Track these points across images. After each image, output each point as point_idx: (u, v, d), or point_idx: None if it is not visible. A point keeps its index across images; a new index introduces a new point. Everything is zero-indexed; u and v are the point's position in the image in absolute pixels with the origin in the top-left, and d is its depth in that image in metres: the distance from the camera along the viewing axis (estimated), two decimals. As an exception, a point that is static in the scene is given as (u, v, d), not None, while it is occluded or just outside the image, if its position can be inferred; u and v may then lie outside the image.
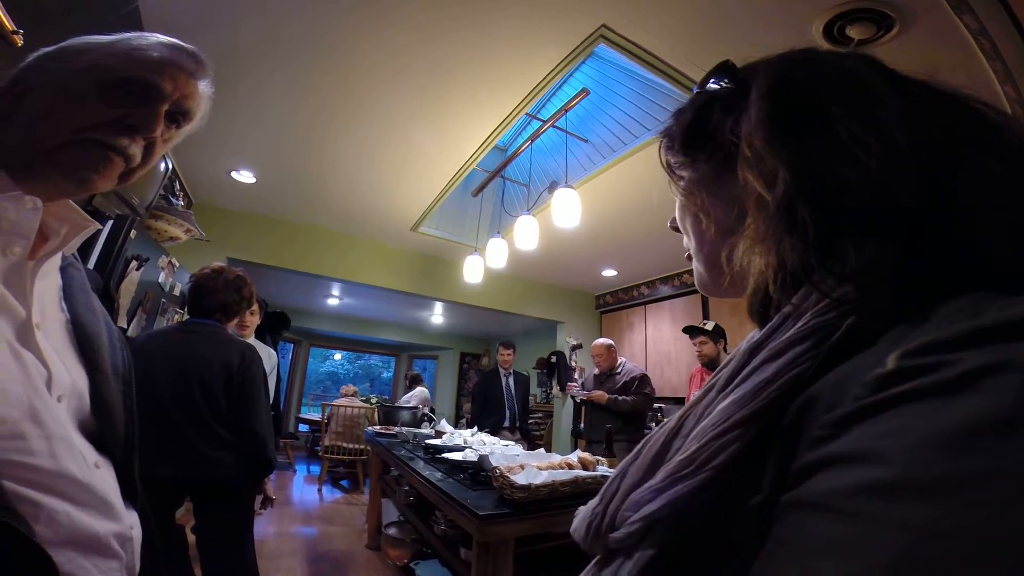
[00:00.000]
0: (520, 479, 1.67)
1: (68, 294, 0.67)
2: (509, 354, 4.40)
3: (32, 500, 0.48)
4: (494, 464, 1.80)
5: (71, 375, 0.60)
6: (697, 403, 0.35)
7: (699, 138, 0.40)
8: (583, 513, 0.41)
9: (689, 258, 0.46)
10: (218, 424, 1.70)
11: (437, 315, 7.81)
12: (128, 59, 0.58)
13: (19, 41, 1.06)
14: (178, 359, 1.70)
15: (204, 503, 1.73)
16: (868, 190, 0.28)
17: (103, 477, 0.59)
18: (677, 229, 0.48)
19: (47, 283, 0.62)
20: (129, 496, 0.63)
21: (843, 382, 0.25)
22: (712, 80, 0.40)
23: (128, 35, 0.60)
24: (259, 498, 1.92)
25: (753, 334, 0.37)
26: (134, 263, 2.01)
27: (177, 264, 2.59)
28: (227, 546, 1.73)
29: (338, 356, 13.84)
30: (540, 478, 1.70)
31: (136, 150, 0.59)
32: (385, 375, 13.92)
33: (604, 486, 0.39)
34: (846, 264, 0.28)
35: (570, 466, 1.92)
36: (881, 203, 0.28)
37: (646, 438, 0.37)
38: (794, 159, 0.31)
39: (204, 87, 0.66)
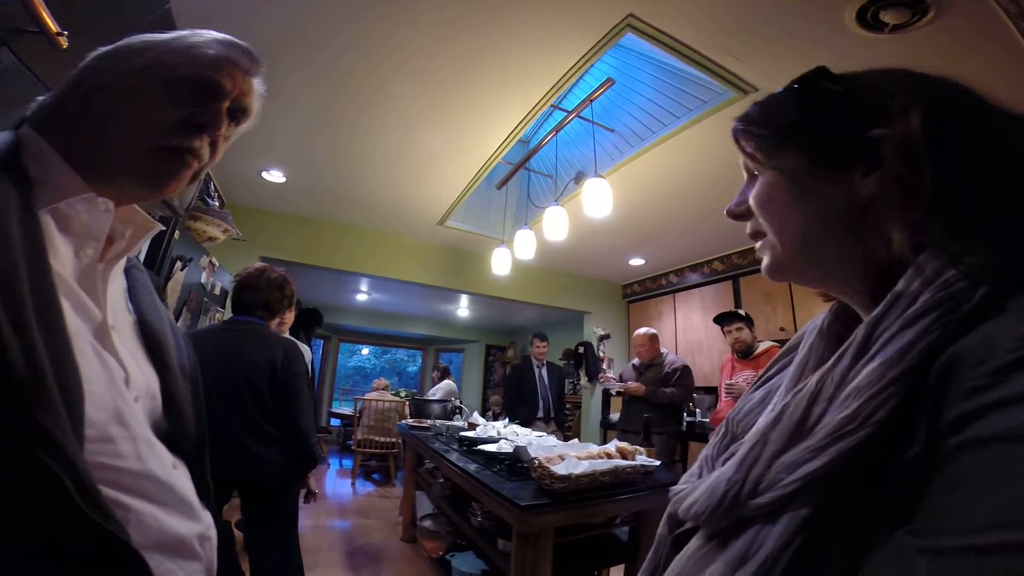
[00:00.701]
0: (560, 469, 1.68)
1: (133, 295, 0.67)
2: (544, 346, 4.41)
3: (123, 504, 0.48)
4: (532, 455, 1.81)
5: (144, 376, 0.61)
6: (831, 370, 0.37)
7: (801, 133, 0.42)
8: (708, 486, 0.41)
9: (756, 238, 0.47)
10: (264, 420, 1.74)
11: (463, 308, 7.86)
12: (188, 57, 0.58)
13: (64, 43, 1.06)
14: (224, 357, 1.75)
15: (251, 498, 1.78)
16: (1007, 187, 0.34)
17: (181, 477, 0.59)
18: (742, 214, 0.48)
19: (115, 285, 0.62)
20: (202, 495, 0.64)
21: (987, 341, 0.28)
22: (821, 82, 0.43)
23: (183, 32, 0.60)
24: (302, 492, 1.97)
25: (822, 316, 0.49)
26: (178, 264, 2.07)
27: (217, 264, 2.65)
28: (274, 540, 1.78)
29: (365, 351, 14.07)
30: (580, 468, 1.71)
31: (206, 150, 0.60)
32: (411, 369, 14.10)
33: (739, 456, 0.40)
34: (981, 243, 0.32)
35: (609, 456, 1.92)
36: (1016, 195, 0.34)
37: (783, 404, 0.39)
38: (944, 161, 0.35)
39: (258, 84, 0.66)
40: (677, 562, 0.44)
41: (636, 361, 3.88)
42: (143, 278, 0.72)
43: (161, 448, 0.58)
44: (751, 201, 0.46)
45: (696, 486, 0.45)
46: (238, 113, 0.64)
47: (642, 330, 3.86)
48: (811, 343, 0.48)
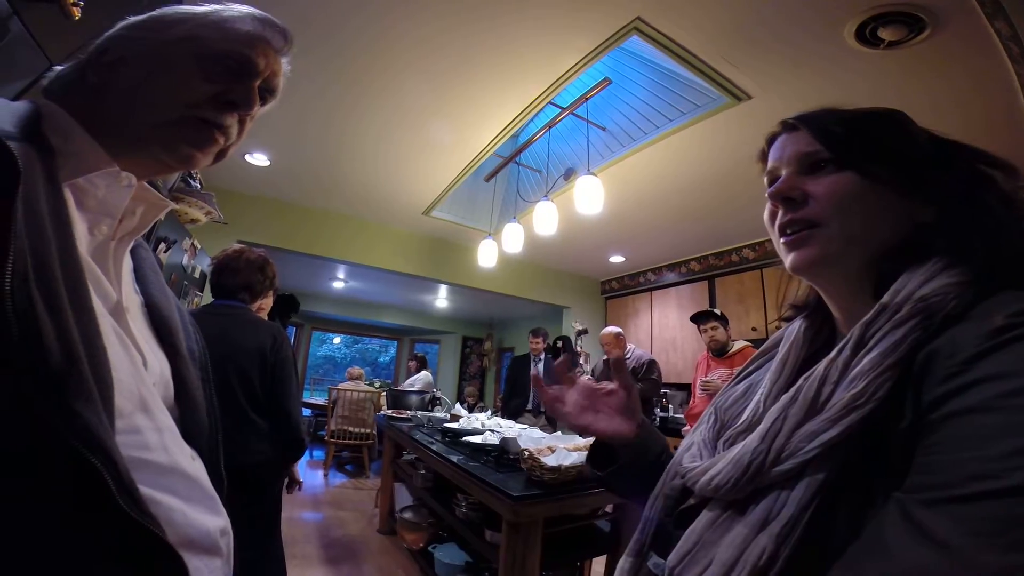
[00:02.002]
0: (551, 460, 1.71)
1: (139, 276, 0.64)
2: (538, 342, 4.47)
3: (154, 500, 0.44)
4: (523, 446, 1.83)
5: (157, 361, 0.57)
6: (835, 359, 0.43)
7: (890, 150, 0.49)
8: (731, 459, 0.47)
9: (794, 226, 0.51)
10: (253, 411, 1.69)
11: (441, 299, 7.82)
12: (223, 32, 0.56)
13: (77, 13, 1.03)
14: (211, 344, 1.69)
15: (236, 490, 1.74)
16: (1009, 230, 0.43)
17: (201, 470, 0.56)
18: (794, 199, 0.51)
19: (124, 266, 0.59)
20: (216, 488, 0.59)
21: (955, 340, 0.36)
22: (909, 124, 0.51)
23: (217, 6, 0.58)
24: (286, 481, 1.93)
25: (797, 323, 0.59)
26: (162, 245, 2.00)
27: (199, 246, 2.58)
28: (259, 534, 1.73)
29: (337, 340, 13.87)
30: (570, 459, 1.74)
31: (235, 128, 0.58)
32: (382, 359, 13.97)
33: (761, 429, 0.46)
34: (974, 262, 0.41)
35: (596, 449, 1.96)
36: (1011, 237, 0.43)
37: (796, 386, 0.45)
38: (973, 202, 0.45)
39: (286, 64, 0.64)
40: (691, 533, 0.48)
41: (605, 357, 3.96)
42: (149, 258, 0.68)
43: (181, 439, 0.55)
44: (822, 191, 0.49)
45: (713, 463, 0.49)
46: (266, 93, 0.62)
47: (608, 329, 3.96)
48: (791, 343, 0.57)
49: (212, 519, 0.53)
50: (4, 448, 0.34)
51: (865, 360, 0.41)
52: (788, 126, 0.55)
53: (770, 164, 0.56)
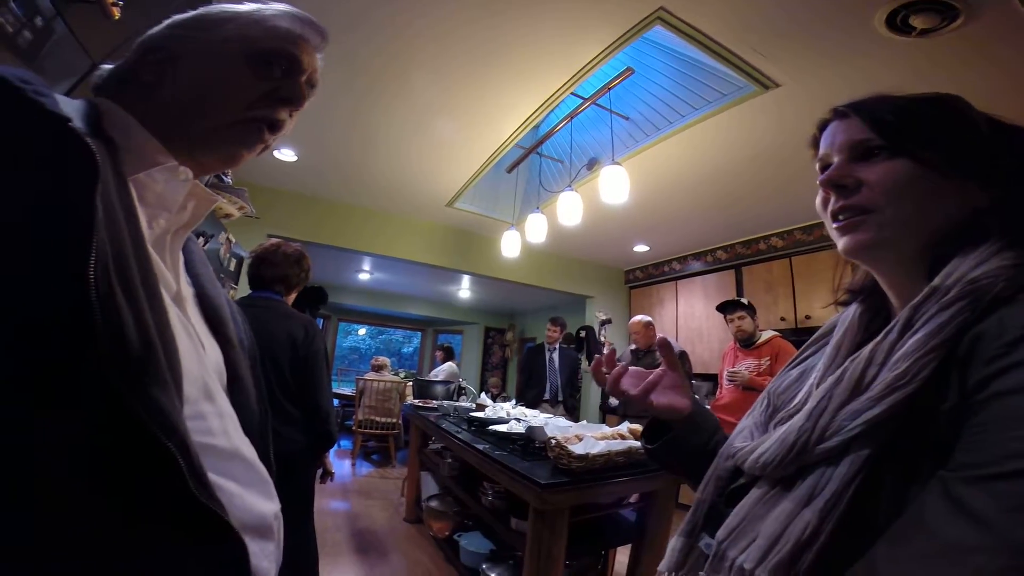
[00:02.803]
0: (579, 449, 1.72)
1: (190, 268, 0.65)
2: (556, 331, 4.46)
3: (218, 485, 0.45)
4: (549, 435, 1.85)
5: (213, 350, 0.59)
6: (881, 341, 0.45)
7: (944, 136, 0.49)
8: (778, 438, 0.48)
9: (848, 212, 0.51)
10: (285, 399, 1.74)
11: (464, 289, 7.87)
12: (267, 30, 0.57)
13: (117, 13, 1.06)
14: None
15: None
16: None
17: (255, 455, 0.58)
18: (847, 186, 0.51)
19: (178, 258, 0.61)
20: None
21: (1002, 322, 0.37)
22: (968, 109, 0.50)
23: (256, 5, 0.59)
24: (318, 472, 1.98)
25: (853, 309, 0.59)
26: (201, 239, 2.07)
27: (234, 240, 2.65)
28: (292, 522, 1.78)
29: (362, 331, 14.08)
30: (597, 448, 1.75)
31: (288, 123, 0.60)
32: (405, 350, 14.13)
33: (807, 409, 0.47)
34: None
35: (623, 437, 1.96)
36: None
37: (842, 368, 0.47)
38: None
39: (320, 60, 0.66)
40: (740, 509, 0.49)
41: (633, 346, 3.92)
42: (199, 251, 0.70)
43: (239, 424, 0.57)
44: (875, 178, 0.49)
45: (761, 442, 0.51)
46: (309, 88, 0.64)
47: (637, 317, 3.90)
48: (846, 328, 0.57)
49: (267, 503, 0.55)
50: (85, 433, 0.35)
51: (910, 342, 0.42)
52: (839, 113, 0.55)
53: (822, 151, 0.56)
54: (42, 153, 0.35)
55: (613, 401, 4.97)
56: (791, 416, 0.53)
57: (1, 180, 0.33)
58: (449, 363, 6.54)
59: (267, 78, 0.57)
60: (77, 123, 0.43)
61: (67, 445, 0.35)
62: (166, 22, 0.56)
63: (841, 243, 0.52)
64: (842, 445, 0.42)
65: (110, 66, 0.56)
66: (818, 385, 0.53)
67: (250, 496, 0.51)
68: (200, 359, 0.53)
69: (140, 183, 0.51)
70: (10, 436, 0.33)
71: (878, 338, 0.45)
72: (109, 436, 0.36)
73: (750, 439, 0.57)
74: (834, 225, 0.53)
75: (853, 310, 0.59)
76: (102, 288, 0.35)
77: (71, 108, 0.46)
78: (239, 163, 0.60)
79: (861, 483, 0.40)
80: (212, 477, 0.44)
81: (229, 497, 0.47)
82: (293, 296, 2.08)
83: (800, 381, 0.60)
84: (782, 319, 4.03)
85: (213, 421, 0.50)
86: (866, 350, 0.45)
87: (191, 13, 0.57)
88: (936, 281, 0.44)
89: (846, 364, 0.46)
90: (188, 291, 0.62)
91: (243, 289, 1.93)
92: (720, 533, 0.50)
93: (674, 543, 0.61)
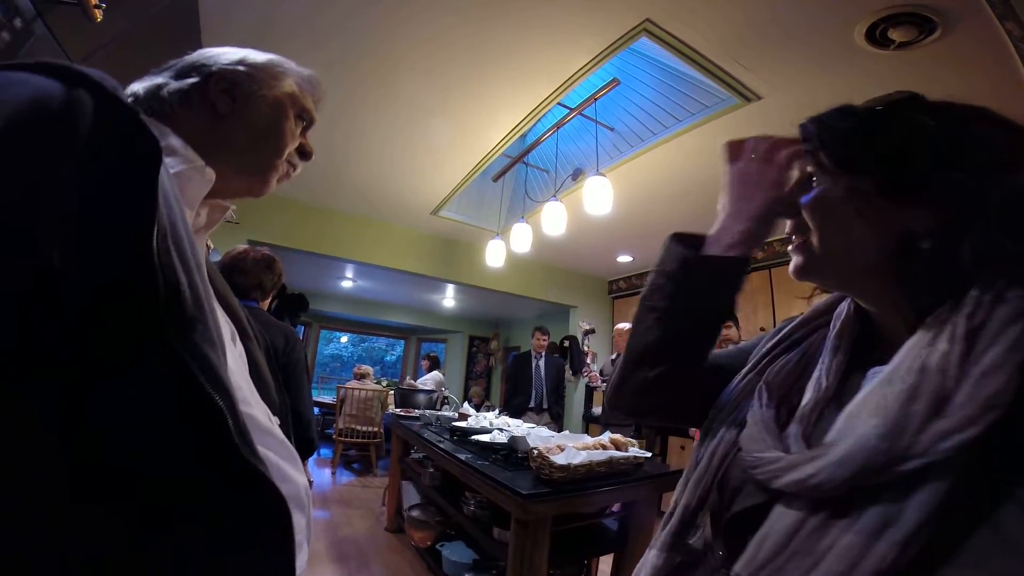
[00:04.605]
0: (560, 459, 1.72)
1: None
2: (544, 339, 4.46)
3: (259, 453, 0.46)
4: (531, 445, 1.84)
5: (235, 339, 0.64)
6: (948, 353, 0.40)
7: (882, 159, 0.46)
8: (839, 457, 0.41)
9: (794, 233, 0.52)
10: None
11: (448, 298, 7.85)
12: (305, 91, 0.66)
13: (99, 16, 1.06)
14: None
15: None
16: None
17: (283, 433, 0.61)
18: (795, 212, 0.52)
19: None
20: None
21: None
22: (917, 113, 0.47)
23: (291, 62, 0.67)
24: None
25: (847, 304, 0.54)
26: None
27: (211, 246, 2.60)
28: None
29: (344, 339, 13.95)
30: (579, 458, 1.75)
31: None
32: (388, 358, 14.03)
33: (877, 426, 0.41)
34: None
35: (604, 447, 1.97)
36: None
37: (910, 383, 0.41)
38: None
39: None
40: (771, 540, 0.43)
41: (614, 356, 3.95)
42: (208, 254, 0.74)
43: (264, 405, 0.61)
44: (805, 203, 0.50)
45: (808, 458, 0.43)
46: None
47: (623, 325, 3.95)
48: (844, 320, 0.54)
49: (300, 476, 0.59)
50: (144, 388, 0.38)
51: (989, 356, 0.38)
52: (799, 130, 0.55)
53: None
54: (117, 139, 0.39)
55: (596, 410, 4.99)
56: (814, 415, 0.50)
57: (86, 162, 0.36)
58: (435, 372, 6.51)
59: (302, 133, 0.67)
60: None
61: (129, 402, 0.37)
62: (237, 55, 0.62)
63: (790, 267, 0.53)
64: (923, 468, 0.38)
65: (171, 82, 0.58)
66: (828, 377, 0.51)
67: (286, 467, 0.55)
68: (231, 337, 0.58)
69: (182, 176, 0.55)
70: (75, 397, 0.35)
71: (941, 348, 0.41)
72: (167, 393, 0.39)
73: (763, 443, 0.50)
74: (789, 248, 0.54)
75: (847, 304, 0.55)
76: (163, 255, 0.39)
77: None
78: (259, 195, 0.66)
79: (948, 508, 0.36)
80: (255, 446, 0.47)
81: (269, 465, 0.48)
82: (268, 300, 2.05)
83: (800, 366, 0.56)
84: (761, 328, 4.09)
85: (248, 394, 0.54)
86: (934, 360, 0.40)
87: (264, 56, 0.64)
88: (975, 293, 0.41)
89: (912, 377, 0.41)
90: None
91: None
92: (744, 569, 0.44)
93: (654, 559, 0.56)
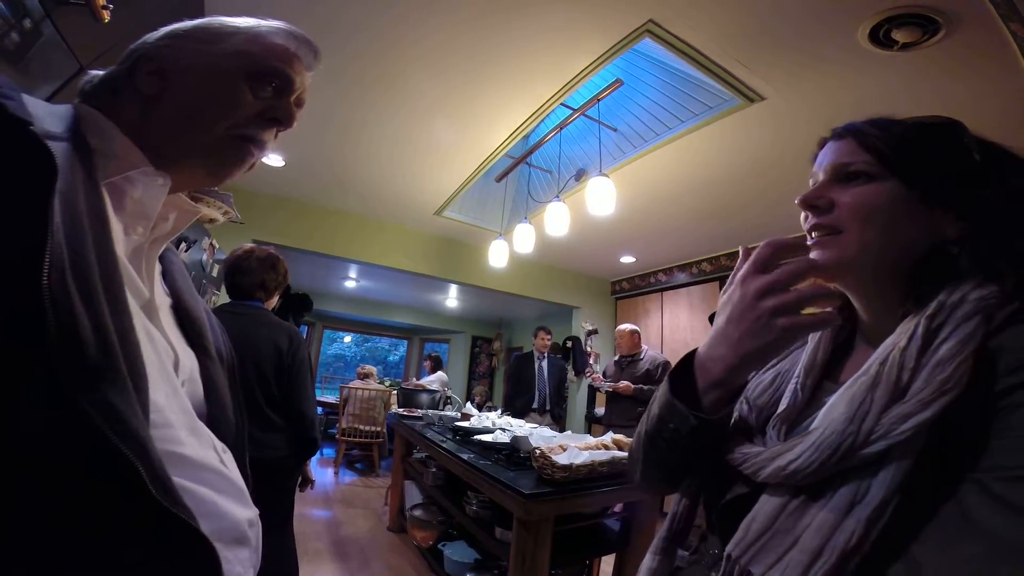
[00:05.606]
0: (562, 459, 1.72)
1: (168, 278, 0.64)
2: (548, 338, 4.46)
3: (186, 489, 0.45)
4: (534, 445, 1.85)
5: (188, 359, 0.58)
6: (906, 348, 0.45)
7: (929, 167, 0.51)
8: (813, 443, 0.45)
9: (819, 231, 0.54)
10: (270, 408, 1.72)
11: (451, 298, 7.86)
12: (266, 48, 0.57)
13: (107, 16, 1.06)
14: (231, 343, 1.73)
15: (251, 487, 1.77)
16: None
17: (231, 463, 0.57)
18: (819, 207, 0.54)
19: (155, 267, 0.60)
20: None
21: (1020, 336, 0.42)
22: (963, 137, 0.52)
23: (254, 20, 0.58)
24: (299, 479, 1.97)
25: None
26: (183, 245, 2.04)
27: (217, 246, 2.62)
28: (273, 529, 1.77)
29: (347, 339, 13.97)
30: (581, 458, 1.75)
31: (272, 143, 0.60)
32: (391, 358, 14.04)
33: (846, 414, 0.45)
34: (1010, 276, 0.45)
35: (606, 447, 1.97)
36: None
37: (871, 373, 0.46)
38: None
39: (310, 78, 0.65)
40: (756, 522, 0.47)
41: (617, 356, 3.95)
42: (177, 261, 0.69)
43: (210, 434, 0.56)
44: (847, 201, 0.52)
45: (784, 449, 0.48)
46: (297, 108, 0.63)
47: (623, 326, 3.95)
48: (819, 337, 0.60)
49: (242, 510, 0.54)
50: (40, 440, 0.34)
51: (944, 348, 0.43)
52: (836, 134, 0.57)
53: (812, 169, 0.59)
54: (4, 155, 0.35)
55: (599, 411, 4.98)
56: (789, 418, 0.54)
57: None
58: (439, 372, 6.53)
59: (262, 97, 0.57)
60: (53, 127, 0.44)
61: (19, 451, 0.34)
62: (163, 31, 0.56)
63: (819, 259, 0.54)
64: (884, 450, 0.42)
65: (101, 72, 0.56)
66: (803, 386, 0.56)
67: (224, 502, 0.51)
68: (165, 368, 0.52)
69: (117, 188, 0.50)
70: None
71: (901, 344, 0.45)
72: (67, 443, 0.35)
73: (749, 443, 0.54)
74: (808, 242, 0.55)
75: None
76: (56, 293, 0.34)
77: (47, 112, 0.46)
78: (224, 180, 0.59)
79: (908, 486, 0.40)
80: (183, 483, 0.44)
81: (201, 503, 0.46)
82: (274, 300, 2.06)
83: (775, 384, 0.61)
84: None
85: (181, 431, 0.49)
86: (894, 355, 0.45)
87: (191, 23, 0.56)
88: (942, 297, 0.46)
89: (874, 369, 0.46)
90: (164, 300, 0.61)
91: (225, 296, 1.90)
92: (735, 549, 0.47)
93: (651, 563, 0.60)
